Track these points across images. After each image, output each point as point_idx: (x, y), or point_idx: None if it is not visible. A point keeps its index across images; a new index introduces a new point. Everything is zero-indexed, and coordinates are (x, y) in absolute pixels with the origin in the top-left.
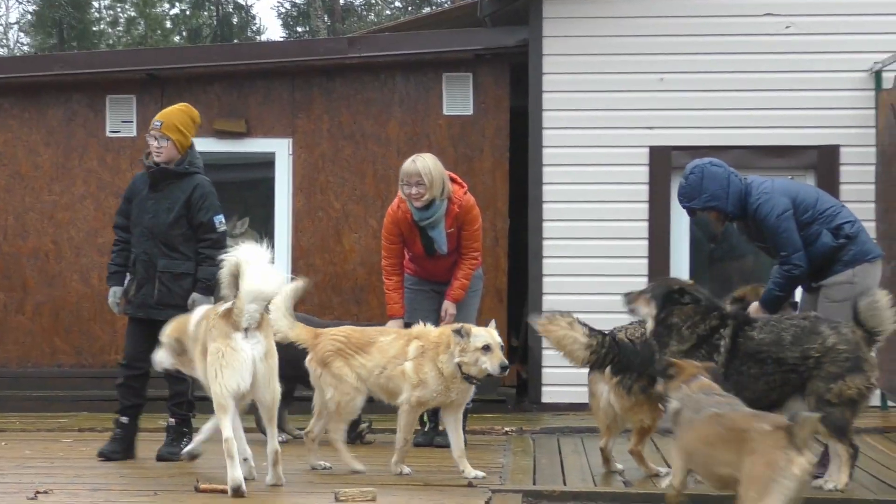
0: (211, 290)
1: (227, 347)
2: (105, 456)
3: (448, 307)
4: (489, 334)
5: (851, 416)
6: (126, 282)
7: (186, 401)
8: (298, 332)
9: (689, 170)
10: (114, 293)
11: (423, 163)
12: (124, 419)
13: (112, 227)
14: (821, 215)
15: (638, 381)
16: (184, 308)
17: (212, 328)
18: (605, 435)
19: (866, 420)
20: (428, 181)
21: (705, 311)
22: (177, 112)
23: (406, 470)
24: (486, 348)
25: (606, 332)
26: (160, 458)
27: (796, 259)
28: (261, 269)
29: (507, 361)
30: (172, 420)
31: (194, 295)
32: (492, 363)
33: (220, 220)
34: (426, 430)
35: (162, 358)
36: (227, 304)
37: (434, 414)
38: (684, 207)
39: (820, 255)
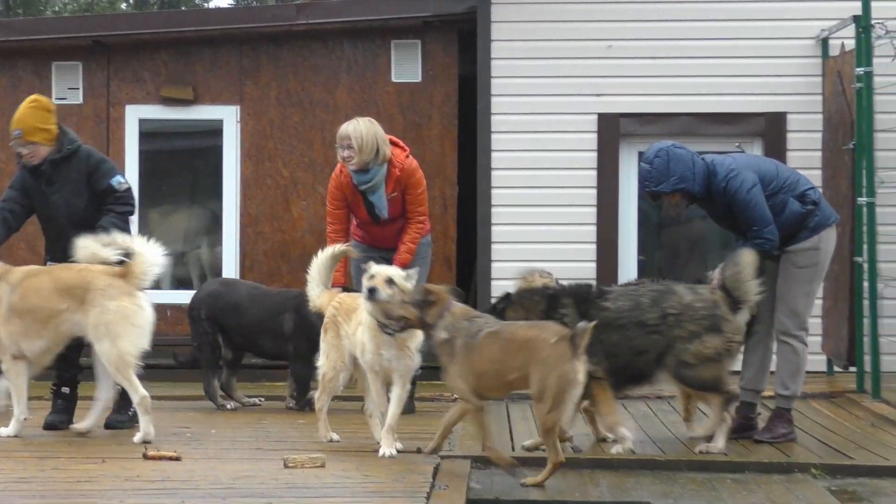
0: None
1: (134, 306)
2: (53, 426)
3: None
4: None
5: (719, 371)
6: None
7: None
8: (322, 300)
9: (652, 154)
10: None
11: (356, 126)
12: (66, 389)
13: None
14: (784, 184)
15: None
16: None
17: (108, 286)
18: None
19: (812, 385)
20: (357, 145)
21: (527, 307)
22: (30, 112)
23: (335, 437)
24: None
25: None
26: (108, 426)
27: (768, 233)
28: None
29: (374, 285)
30: (118, 387)
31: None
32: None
33: (118, 181)
34: None
35: None
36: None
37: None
38: (651, 192)
39: (790, 223)
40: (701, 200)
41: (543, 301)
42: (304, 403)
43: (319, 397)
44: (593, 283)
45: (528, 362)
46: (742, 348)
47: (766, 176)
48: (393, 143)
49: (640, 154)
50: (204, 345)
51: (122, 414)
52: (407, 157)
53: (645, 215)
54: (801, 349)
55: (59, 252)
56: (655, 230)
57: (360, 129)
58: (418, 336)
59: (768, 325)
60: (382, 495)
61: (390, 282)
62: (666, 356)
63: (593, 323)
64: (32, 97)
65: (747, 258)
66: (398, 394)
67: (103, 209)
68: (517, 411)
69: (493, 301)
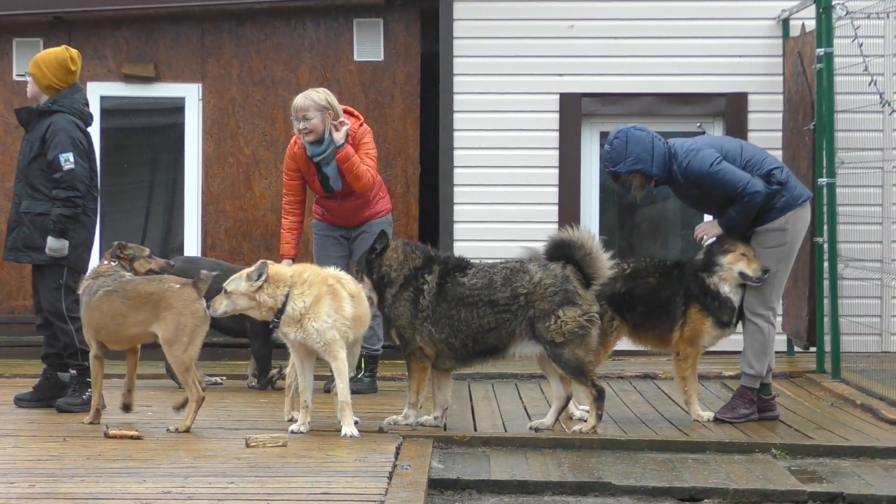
0: (62, 232)
1: None
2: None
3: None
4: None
5: (584, 355)
6: None
7: (78, 350)
8: None
9: (613, 135)
10: None
11: (315, 97)
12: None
13: None
14: (749, 163)
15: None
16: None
17: None
18: None
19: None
20: (317, 118)
21: (405, 252)
22: (47, 51)
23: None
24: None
25: None
26: (59, 409)
27: (751, 188)
28: None
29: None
30: (73, 371)
31: (48, 239)
32: None
33: (65, 158)
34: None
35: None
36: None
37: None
38: (609, 172)
39: None
40: (664, 182)
41: (420, 259)
42: (265, 382)
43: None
44: (468, 258)
45: (155, 313)
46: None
47: (729, 153)
48: (348, 113)
49: (602, 134)
50: None
51: (75, 397)
52: (360, 125)
53: (606, 195)
54: (766, 328)
55: (14, 196)
56: (617, 210)
57: (316, 98)
58: (316, 311)
59: None
60: (344, 475)
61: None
62: (526, 335)
63: (214, 273)
64: (66, 47)
65: (594, 241)
66: (333, 367)
67: (53, 191)
68: (479, 390)
69: (374, 242)
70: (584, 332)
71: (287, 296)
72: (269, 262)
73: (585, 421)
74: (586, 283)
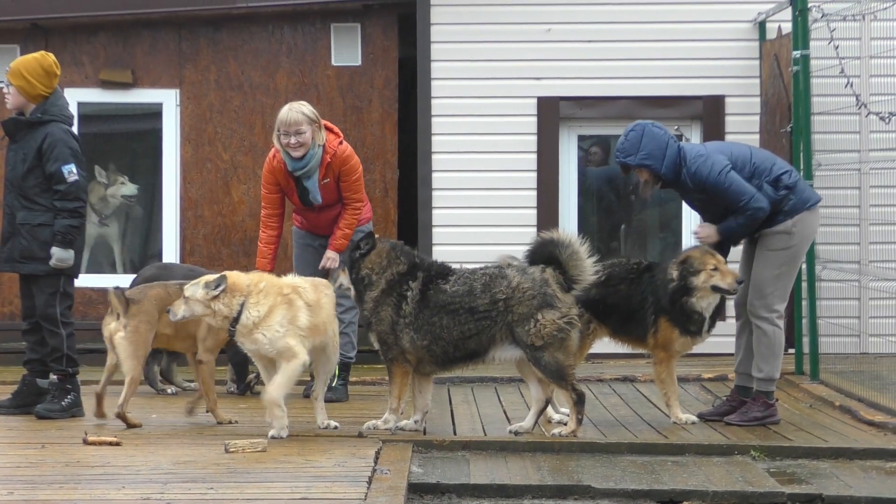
0: (69, 242)
1: None
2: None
3: (329, 255)
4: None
5: (564, 359)
6: None
7: (64, 356)
8: None
9: (630, 127)
10: None
11: (305, 110)
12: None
13: None
14: (757, 169)
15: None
16: (47, 261)
17: None
18: None
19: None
20: (310, 132)
21: (390, 257)
22: (28, 59)
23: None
24: None
25: None
26: (38, 415)
27: (755, 203)
28: None
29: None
30: (55, 377)
31: (53, 248)
32: None
33: (69, 170)
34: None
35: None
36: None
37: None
38: (620, 162)
39: None
40: (671, 184)
41: (405, 266)
42: (243, 388)
43: None
44: (452, 265)
45: None
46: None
47: (739, 160)
48: (327, 129)
49: (581, 138)
50: None
51: (54, 404)
52: (340, 143)
53: (585, 198)
54: (770, 331)
55: (5, 206)
56: (595, 213)
57: (307, 112)
58: (268, 321)
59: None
60: (324, 480)
61: None
62: (506, 339)
63: (121, 287)
64: (43, 52)
65: (579, 242)
66: (284, 366)
67: (54, 201)
68: (458, 394)
69: (359, 240)
70: (564, 336)
71: (242, 305)
72: (232, 273)
73: (565, 424)
74: (567, 286)
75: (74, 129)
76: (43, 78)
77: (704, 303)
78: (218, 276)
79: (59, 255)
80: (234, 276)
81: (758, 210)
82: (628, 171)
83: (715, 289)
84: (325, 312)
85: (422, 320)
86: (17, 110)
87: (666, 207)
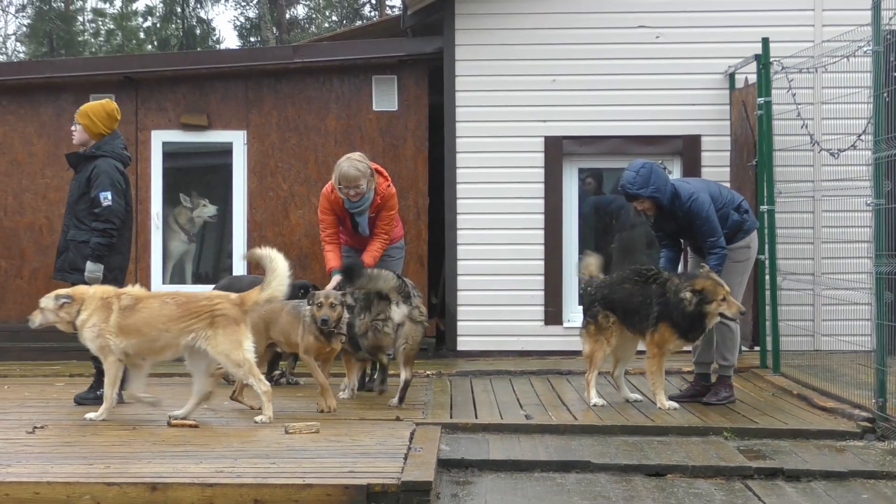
0: (99, 258)
1: None
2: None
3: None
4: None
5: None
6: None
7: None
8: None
9: (638, 165)
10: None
11: (361, 167)
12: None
13: None
14: (726, 200)
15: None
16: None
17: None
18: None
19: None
20: (365, 184)
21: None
22: (95, 104)
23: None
24: None
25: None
26: (77, 402)
27: (721, 242)
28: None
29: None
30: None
31: (87, 263)
32: None
33: (104, 196)
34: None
35: None
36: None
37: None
38: (632, 193)
39: (731, 229)
40: (665, 212)
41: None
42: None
43: None
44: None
45: None
46: None
47: (714, 196)
48: (378, 173)
49: (581, 170)
50: None
51: (89, 392)
52: (388, 186)
53: (584, 221)
54: (734, 326)
55: (63, 225)
56: (592, 234)
57: (362, 169)
58: (87, 323)
59: None
60: (368, 456)
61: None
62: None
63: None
64: (108, 99)
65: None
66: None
67: (93, 223)
68: (479, 385)
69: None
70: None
71: (78, 311)
72: (79, 290)
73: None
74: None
75: (159, 164)
76: (105, 120)
77: (710, 323)
78: (65, 295)
79: (90, 268)
80: (79, 290)
81: (722, 249)
82: (635, 199)
83: (722, 315)
84: (136, 315)
85: None
86: (81, 145)
87: (648, 228)
